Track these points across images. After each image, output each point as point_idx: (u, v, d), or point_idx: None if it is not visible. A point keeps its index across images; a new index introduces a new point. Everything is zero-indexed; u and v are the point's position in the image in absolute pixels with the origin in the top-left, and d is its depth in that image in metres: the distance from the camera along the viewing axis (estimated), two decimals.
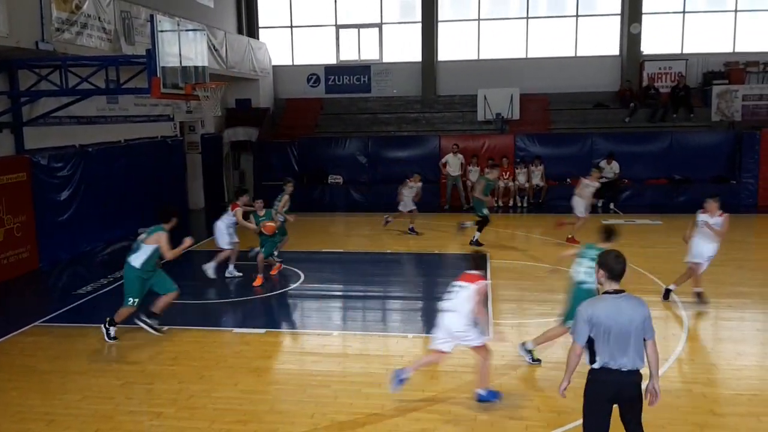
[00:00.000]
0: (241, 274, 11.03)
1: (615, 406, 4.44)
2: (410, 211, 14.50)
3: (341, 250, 13.48)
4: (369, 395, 6.36)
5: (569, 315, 6.44)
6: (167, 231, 7.97)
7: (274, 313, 9.64)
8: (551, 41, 21.32)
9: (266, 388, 6.70)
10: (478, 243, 12.90)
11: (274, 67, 22.12)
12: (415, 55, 21.87)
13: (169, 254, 7.89)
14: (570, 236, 13.04)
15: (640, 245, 13.40)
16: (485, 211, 13.18)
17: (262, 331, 8.40)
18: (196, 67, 11.76)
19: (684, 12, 20.86)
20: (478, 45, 21.73)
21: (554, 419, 5.79)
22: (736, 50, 20.41)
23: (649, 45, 20.80)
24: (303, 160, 19.56)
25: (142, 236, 8.02)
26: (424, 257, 12.95)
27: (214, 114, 14.46)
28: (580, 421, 5.57)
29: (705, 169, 17.66)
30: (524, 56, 21.31)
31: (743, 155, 17.40)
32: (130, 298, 7.95)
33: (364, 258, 13.01)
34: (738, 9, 20.55)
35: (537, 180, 18.05)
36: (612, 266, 4.42)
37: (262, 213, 10.56)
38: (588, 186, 13.59)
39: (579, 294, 6.51)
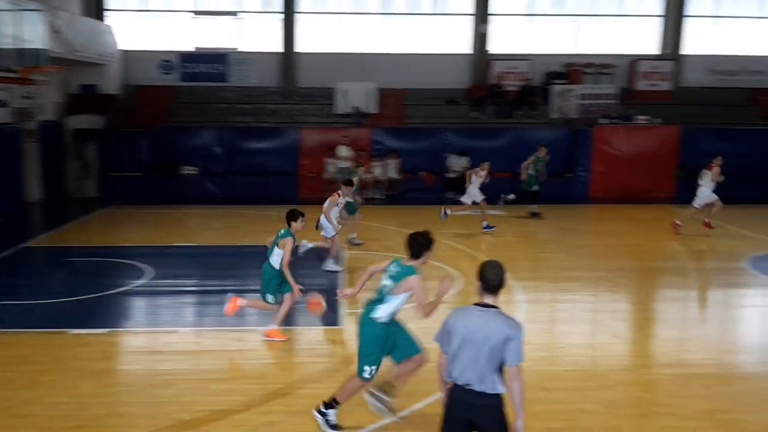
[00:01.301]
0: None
1: None
2: (475, 203, 14.08)
3: (194, 244, 13.10)
4: (216, 391, 6.28)
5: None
6: None
7: (116, 311, 9.17)
8: (408, 37, 21.89)
9: (106, 391, 6.40)
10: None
11: (124, 52, 20.97)
12: (274, 45, 21.63)
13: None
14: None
15: (488, 235, 14.18)
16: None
17: (104, 331, 7.98)
18: (35, 50, 10.92)
19: (529, 15, 22.22)
20: (337, 38, 21.88)
21: (399, 403, 6.00)
22: (576, 52, 22.00)
23: (498, 45, 21.93)
24: (155, 151, 18.76)
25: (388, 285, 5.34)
26: None
27: (53, 100, 13.50)
28: (425, 402, 5.94)
29: (546, 163, 18.89)
30: (382, 51, 21.71)
31: (578, 151, 18.84)
32: (368, 367, 5.40)
33: (218, 252, 12.73)
34: (578, 13, 22.20)
35: (392, 173, 18.51)
36: (488, 278, 4.06)
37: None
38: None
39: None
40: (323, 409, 5.50)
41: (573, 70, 21.34)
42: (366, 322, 5.42)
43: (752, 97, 21.85)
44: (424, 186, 18.75)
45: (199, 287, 10.39)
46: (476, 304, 4.09)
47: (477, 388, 3.96)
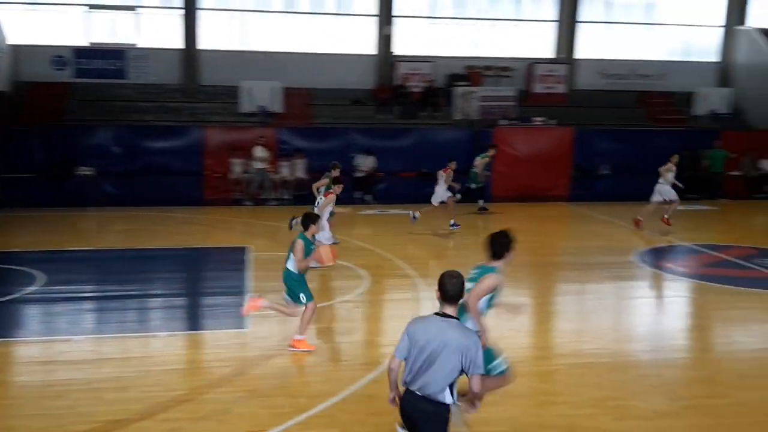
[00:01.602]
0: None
1: None
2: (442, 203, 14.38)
3: (91, 248, 12.56)
4: (114, 401, 6.06)
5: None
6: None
7: (4, 321, 8.65)
8: (313, 37, 21.84)
9: None
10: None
11: (13, 46, 19.76)
12: (175, 42, 21.00)
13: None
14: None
15: (394, 233, 14.38)
16: None
17: None
18: None
19: (431, 17, 22.67)
20: (241, 36, 21.53)
21: (304, 404, 6.02)
22: (476, 55, 22.63)
23: (402, 46, 22.25)
24: (49, 151, 17.81)
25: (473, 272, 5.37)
26: (182, 253, 12.56)
27: None
28: (329, 403, 5.98)
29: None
30: (287, 50, 21.54)
31: (480, 151, 19.37)
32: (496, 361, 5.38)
33: (118, 256, 12.25)
34: (478, 17, 22.86)
35: (300, 173, 18.42)
36: (446, 288, 4.16)
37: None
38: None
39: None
40: None
41: (474, 72, 21.95)
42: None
43: (641, 100, 23.24)
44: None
45: (96, 293, 9.97)
46: (437, 314, 4.18)
47: (428, 394, 4.07)
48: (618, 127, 21.16)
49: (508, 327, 8.52)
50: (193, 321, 9.18)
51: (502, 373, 5.38)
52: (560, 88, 22.39)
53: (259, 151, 17.85)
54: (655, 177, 15.19)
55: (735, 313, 9.33)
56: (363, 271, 10.68)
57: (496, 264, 5.32)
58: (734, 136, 20.81)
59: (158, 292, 10.14)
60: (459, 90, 21.05)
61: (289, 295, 7.23)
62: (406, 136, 19.76)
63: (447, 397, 4.10)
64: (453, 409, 4.16)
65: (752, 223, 17.62)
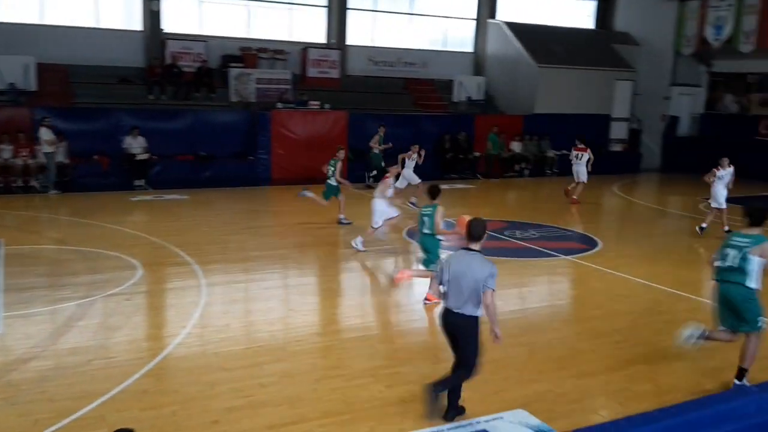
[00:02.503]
0: None
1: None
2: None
3: None
4: None
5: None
6: None
7: None
8: (72, 8, 19.94)
9: None
10: None
11: None
12: None
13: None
14: None
15: (169, 220, 13.82)
16: None
17: None
18: None
19: None
20: None
21: (68, 407, 5.62)
22: (250, 36, 22.35)
23: (172, 24, 21.24)
24: None
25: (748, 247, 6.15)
26: None
27: None
28: (96, 403, 5.63)
29: (226, 146, 19.04)
30: (41, 22, 19.44)
31: (258, 134, 19.31)
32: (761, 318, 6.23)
33: None
34: None
35: (60, 157, 16.82)
36: (471, 230, 5.52)
37: None
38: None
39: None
40: (737, 382, 6.26)
41: (248, 54, 21.66)
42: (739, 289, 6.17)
43: (407, 86, 24.67)
44: (102, 171, 17.42)
45: None
46: (464, 248, 5.57)
47: (461, 310, 5.41)
48: (388, 112, 22.28)
49: (288, 307, 8.73)
50: None
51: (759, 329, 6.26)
52: (334, 73, 22.95)
53: (46, 134, 16.03)
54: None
55: None
56: (135, 261, 10.14)
57: (758, 231, 6.29)
58: (487, 120, 23.02)
59: None
60: (234, 71, 20.67)
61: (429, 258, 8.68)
62: (181, 118, 18.96)
63: (476, 312, 5.44)
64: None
65: (503, 199, 19.71)
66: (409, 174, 16.01)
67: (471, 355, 5.55)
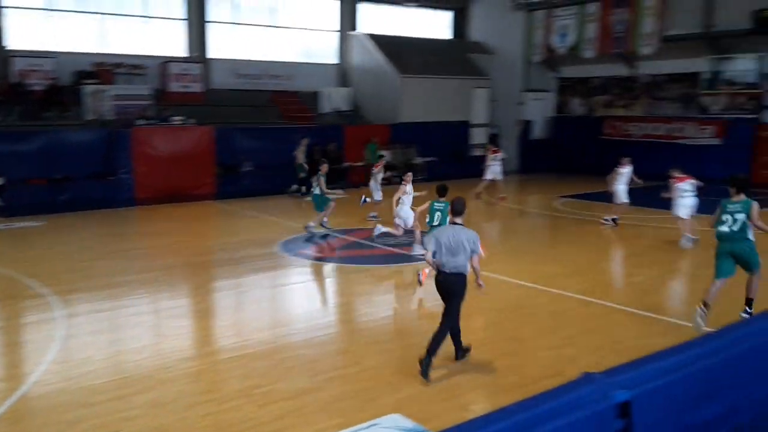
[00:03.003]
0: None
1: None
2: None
3: None
4: None
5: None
6: None
7: None
8: None
9: None
10: None
11: None
12: None
13: None
14: None
15: (21, 249, 12.90)
16: None
17: None
18: None
19: (48, 9, 20.62)
20: None
21: None
22: (105, 51, 21.34)
23: (18, 40, 19.86)
24: None
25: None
26: None
27: None
28: None
29: (84, 167, 18.02)
30: None
31: (118, 152, 18.45)
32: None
33: None
34: (103, 12, 21.52)
35: None
36: (455, 208, 7.08)
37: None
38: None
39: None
40: (748, 309, 8.23)
41: (103, 70, 20.69)
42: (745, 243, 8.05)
43: (274, 99, 24.54)
44: None
45: None
46: (452, 223, 7.12)
47: (457, 271, 6.83)
48: (256, 126, 22.05)
49: (156, 333, 8.42)
50: None
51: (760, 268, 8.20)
52: (196, 87, 22.39)
53: None
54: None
55: (364, 288, 10.61)
56: None
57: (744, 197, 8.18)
58: (355, 131, 23.38)
59: None
60: (88, 88, 19.64)
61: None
62: (31, 140, 17.70)
63: (465, 270, 6.90)
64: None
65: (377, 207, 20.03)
66: (374, 186, 16.13)
67: (457, 305, 7.01)
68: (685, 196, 12.82)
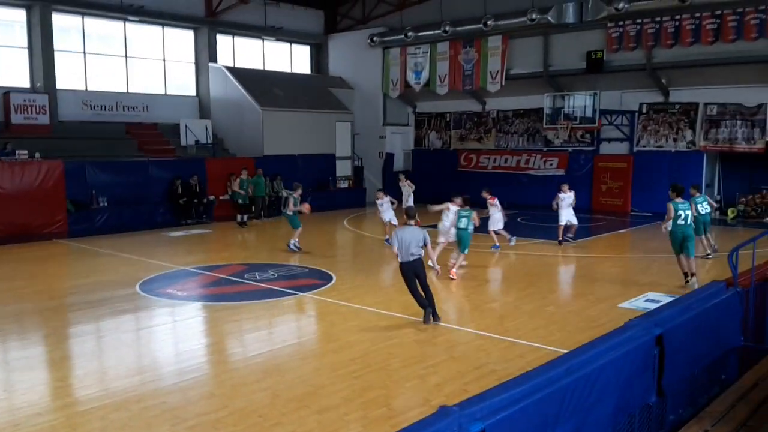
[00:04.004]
0: None
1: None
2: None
3: None
4: None
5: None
6: None
7: None
8: None
9: None
10: None
11: None
12: None
13: None
14: None
15: None
16: None
17: None
18: None
19: None
20: None
21: None
22: None
23: None
24: None
25: None
26: None
27: None
28: None
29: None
30: None
31: None
32: None
33: None
34: None
35: None
36: (409, 213, 10.18)
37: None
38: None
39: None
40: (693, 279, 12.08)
41: None
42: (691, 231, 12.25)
43: (130, 131, 23.62)
44: None
45: None
46: (406, 224, 10.04)
47: (416, 256, 9.76)
48: (111, 159, 21.09)
49: (2, 388, 7.77)
50: None
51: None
52: (43, 119, 21.12)
53: None
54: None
55: (232, 326, 10.40)
56: None
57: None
58: (217, 163, 23.01)
59: None
60: None
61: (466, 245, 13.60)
62: None
63: (420, 254, 9.83)
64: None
65: (243, 241, 19.76)
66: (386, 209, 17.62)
67: (425, 278, 9.98)
68: (494, 213, 16.47)
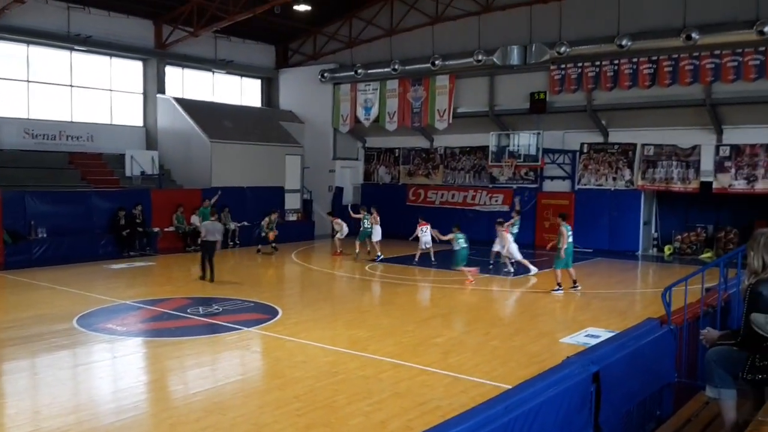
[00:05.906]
0: None
1: None
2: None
3: None
4: None
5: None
6: None
7: None
8: None
9: None
10: None
11: None
12: None
13: None
14: None
15: None
16: None
17: None
18: None
19: None
20: None
21: None
22: None
23: None
24: None
25: None
26: None
27: None
28: None
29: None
30: None
31: None
32: None
33: None
34: None
35: None
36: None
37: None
38: None
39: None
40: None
41: None
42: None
43: (73, 161, 23.11)
44: None
45: None
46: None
47: None
48: (52, 188, 20.56)
49: None
50: None
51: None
52: None
53: None
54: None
55: (173, 363, 10.16)
56: None
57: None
58: (162, 194, 22.67)
59: None
60: None
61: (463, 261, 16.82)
62: None
63: None
64: None
65: (187, 274, 19.38)
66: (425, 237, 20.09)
67: None
68: (422, 236, 19.76)
